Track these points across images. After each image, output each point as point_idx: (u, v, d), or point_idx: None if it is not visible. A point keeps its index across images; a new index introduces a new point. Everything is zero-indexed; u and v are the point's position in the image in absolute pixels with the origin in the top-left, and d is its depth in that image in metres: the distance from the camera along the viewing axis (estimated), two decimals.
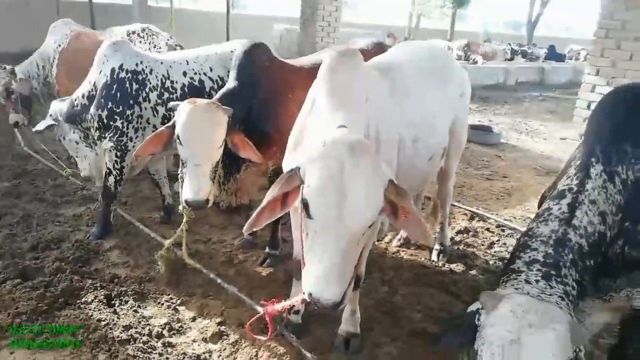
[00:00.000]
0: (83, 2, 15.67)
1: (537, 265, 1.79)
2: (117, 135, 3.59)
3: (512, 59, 18.10)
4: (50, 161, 5.18)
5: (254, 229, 1.97)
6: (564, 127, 10.19)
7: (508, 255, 3.95)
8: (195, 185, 2.81)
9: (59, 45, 5.46)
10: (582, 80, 5.11)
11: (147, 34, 6.06)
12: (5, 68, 5.26)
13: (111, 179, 3.73)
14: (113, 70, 3.57)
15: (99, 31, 6.11)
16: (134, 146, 3.60)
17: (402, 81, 2.91)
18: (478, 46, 18.57)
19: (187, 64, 3.78)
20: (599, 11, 4.85)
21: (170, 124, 2.99)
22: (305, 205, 1.78)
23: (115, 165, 3.68)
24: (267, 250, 3.72)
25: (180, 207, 3.05)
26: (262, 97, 3.29)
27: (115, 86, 3.54)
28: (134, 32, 5.92)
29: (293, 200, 1.95)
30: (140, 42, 5.86)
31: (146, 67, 3.65)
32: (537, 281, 1.73)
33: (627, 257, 1.77)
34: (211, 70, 3.81)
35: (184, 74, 3.75)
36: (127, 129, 3.60)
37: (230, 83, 3.30)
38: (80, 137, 3.85)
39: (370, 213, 1.76)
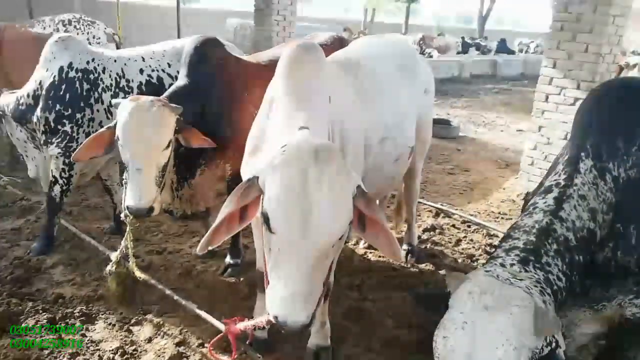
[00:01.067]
0: None
1: (516, 251, 1.63)
2: (65, 141, 3.29)
3: (465, 52, 18.41)
4: None
5: (210, 248, 1.76)
6: (519, 118, 10.40)
7: (475, 252, 3.91)
8: (136, 191, 2.58)
9: None
10: (540, 72, 5.11)
11: (82, 24, 5.71)
12: None
13: (57, 189, 3.40)
14: (61, 69, 3.26)
15: (26, 22, 5.64)
16: None
17: (368, 78, 2.76)
18: (432, 40, 18.81)
19: (144, 60, 3.53)
20: (553, 4, 4.86)
21: (111, 124, 2.73)
22: (265, 218, 1.58)
23: (62, 173, 3.36)
24: (227, 259, 3.49)
25: (122, 215, 2.78)
26: (215, 95, 3.06)
27: (63, 87, 3.24)
28: (69, 22, 5.57)
29: (253, 213, 1.74)
30: (77, 32, 5.53)
31: (98, 65, 3.37)
32: (511, 265, 1.57)
33: (618, 262, 1.66)
34: (169, 66, 3.57)
35: (141, 71, 3.49)
36: (78, 133, 3.30)
37: (181, 80, 3.05)
38: (27, 137, 3.51)
39: (339, 226, 1.57)
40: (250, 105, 3.15)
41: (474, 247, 4.01)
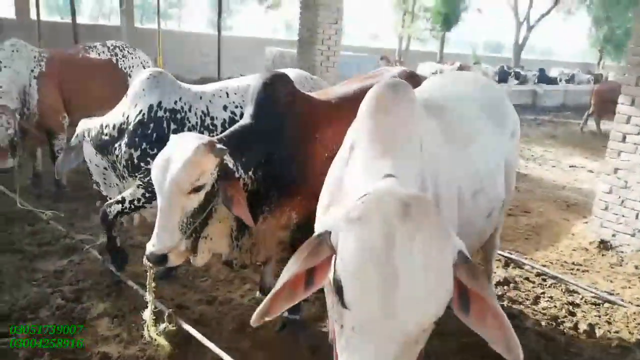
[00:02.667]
0: (65, 23, 15.17)
1: None
2: (148, 178, 3.12)
3: (503, 81, 17.97)
4: (30, 202, 4.55)
5: (267, 318, 1.39)
6: (568, 153, 9.91)
7: (558, 313, 3.48)
8: (154, 234, 2.33)
9: (32, 70, 4.89)
10: (617, 110, 4.71)
11: (130, 51, 5.69)
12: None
13: (116, 207, 3.24)
14: (151, 107, 3.17)
15: (73, 48, 5.63)
16: None
17: (455, 122, 2.44)
18: (469, 68, 18.45)
19: (227, 96, 3.35)
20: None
21: None
22: (337, 288, 1.23)
23: (135, 202, 3.22)
24: (285, 314, 3.16)
25: (144, 260, 2.48)
26: (283, 137, 2.78)
27: (152, 125, 3.15)
28: (122, 49, 5.66)
29: (322, 277, 1.38)
30: (131, 58, 5.60)
31: (185, 104, 3.25)
32: None
33: None
34: None
35: (224, 107, 3.32)
36: None
37: (245, 120, 2.79)
38: (108, 166, 3.38)
39: (435, 306, 1.18)
40: (320, 147, 2.87)
41: (555, 305, 3.57)
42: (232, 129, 2.74)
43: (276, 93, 2.79)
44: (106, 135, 3.27)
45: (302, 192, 2.83)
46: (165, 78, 3.29)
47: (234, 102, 3.34)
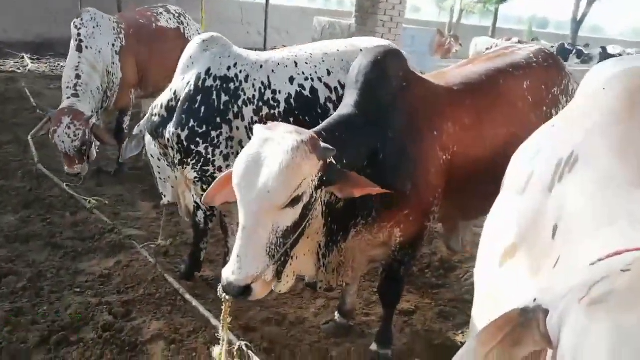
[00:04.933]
0: None
1: None
2: (200, 164, 2.67)
3: (564, 59, 16.69)
4: (71, 186, 4.07)
5: None
6: None
7: None
8: (234, 260, 1.75)
9: (113, 45, 4.36)
10: None
11: (189, 18, 5.11)
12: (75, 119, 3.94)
13: (200, 215, 2.94)
14: (199, 77, 2.65)
15: (143, 12, 5.01)
16: None
17: None
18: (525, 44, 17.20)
19: (296, 65, 2.71)
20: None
21: None
22: None
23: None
24: (374, 347, 2.58)
25: (219, 289, 1.91)
26: (394, 131, 2.14)
27: (199, 98, 2.63)
28: (184, 15, 5.10)
29: None
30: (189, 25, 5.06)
31: (241, 71, 2.67)
32: None
33: None
34: (329, 73, 2.71)
35: (291, 80, 2.68)
36: (214, 155, 2.65)
37: (346, 108, 2.15)
38: (160, 154, 2.91)
39: None
40: (439, 148, 2.21)
41: None
42: (330, 120, 2.11)
43: (389, 75, 2.14)
44: (156, 115, 2.80)
45: (410, 205, 2.21)
46: (215, 41, 2.77)
47: (303, 74, 2.70)
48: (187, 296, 2.79)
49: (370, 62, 2.11)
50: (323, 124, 2.09)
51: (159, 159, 2.94)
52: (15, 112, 6.23)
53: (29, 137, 4.61)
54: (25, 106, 6.52)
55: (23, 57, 10.05)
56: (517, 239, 1.26)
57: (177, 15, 4.99)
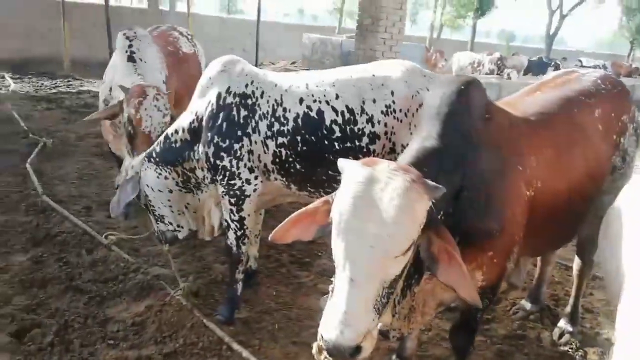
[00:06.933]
0: (89, 4, 14.31)
1: None
2: (226, 178, 2.74)
3: (541, 73, 17.00)
4: (81, 218, 3.78)
5: None
6: None
7: None
8: (340, 316, 1.53)
9: (160, 73, 4.04)
10: None
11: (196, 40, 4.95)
12: None
13: (231, 236, 2.86)
14: (219, 95, 2.74)
15: (164, 36, 4.74)
16: (254, 190, 2.78)
17: None
18: (506, 60, 17.48)
19: (307, 87, 2.74)
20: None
21: (329, 196, 1.75)
22: None
23: (232, 215, 2.82)
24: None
25: (314, 348, 1.71)
26: (478, 166, 1.99)
27: (221, 114, 2.72)
28: (192, 36, 4.97)
29: None
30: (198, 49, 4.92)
31: (257, 88, 2.76)
32: None
33: None
34: (337, 97, 2.68)
35: (300, 100, 2.70)
36: (238, 168, 2.71)
37: (430, 140, 1.97)
38: (178, 182, 2.93)
39: None
40: (523, 184, 2.08)
41: None
42: (415, 153, 1.93)
43: (472, 106, 2.00)
44: (176, 142, 2.86)
45: (496, 246, 2.05)
46: (233, 62, 2.85)
47: (312, 95, 2.70)
48: (235, 345, 2.56)
49: (453, 92, 1.96)
50: (408, 156, 1.91)
51: (170, 191, 2.93)
52: (6, 137, 5.85)
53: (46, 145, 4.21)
54: (16, 130, 6.18)
55: (4, 77, 9.62)
56: None
57: (190, 38, 4.86)
